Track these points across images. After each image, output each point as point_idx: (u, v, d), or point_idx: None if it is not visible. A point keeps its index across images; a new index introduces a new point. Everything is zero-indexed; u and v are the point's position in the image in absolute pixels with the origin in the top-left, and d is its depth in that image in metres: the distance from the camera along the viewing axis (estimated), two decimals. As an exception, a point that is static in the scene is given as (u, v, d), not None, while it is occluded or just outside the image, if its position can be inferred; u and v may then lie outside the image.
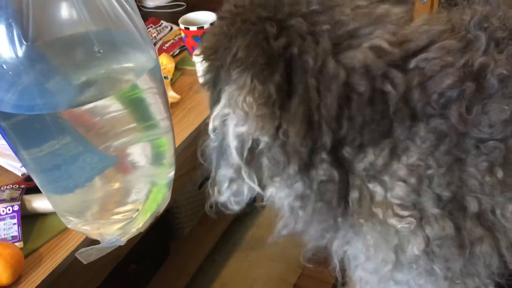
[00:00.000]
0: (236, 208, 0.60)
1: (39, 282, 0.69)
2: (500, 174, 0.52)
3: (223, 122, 0.54)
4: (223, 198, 0.59)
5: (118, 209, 0.67)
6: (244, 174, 0.55)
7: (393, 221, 0.53)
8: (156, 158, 0.67)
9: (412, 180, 0.52)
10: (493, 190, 0.52)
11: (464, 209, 0.53)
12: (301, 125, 0.51)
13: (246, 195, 0.59)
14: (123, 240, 0.66)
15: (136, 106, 0.63)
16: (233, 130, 0.53)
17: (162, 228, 1.15)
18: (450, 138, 0.51)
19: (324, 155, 0.52)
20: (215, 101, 0.56)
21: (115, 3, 0.56)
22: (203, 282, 1.23)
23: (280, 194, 0.56)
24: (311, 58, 0.51)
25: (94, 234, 0.67)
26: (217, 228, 1.27)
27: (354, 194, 0.55)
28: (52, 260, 0.72)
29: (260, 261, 1.27)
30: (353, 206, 0.55)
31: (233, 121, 0.53)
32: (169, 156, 0.69)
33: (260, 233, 1.35)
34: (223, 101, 0.54)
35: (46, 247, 0.73)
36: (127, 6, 0.58)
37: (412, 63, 0.52)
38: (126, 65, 0.62)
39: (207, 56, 0.57)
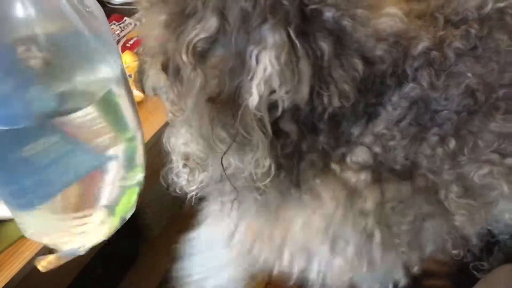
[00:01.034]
0: None
1: (-4, 292, 0.66)
2: (452, 144, 0.52)
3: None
4: None
5: (84, 220, 0.65)
6: None
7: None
8: (129, 161, 0.66)
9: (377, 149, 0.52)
10: (442, 165, 0.53)
11: (413, 184, 0.54)
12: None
13: None
14: (81, 251, 0.65)
15: (105, 113, 0.61)
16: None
17: (130, 229, 1.13)
18: (418, 106, 0.51)
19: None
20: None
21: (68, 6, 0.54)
22: (174, 285, 1.21)
23: None
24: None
25: (51, 245, 0.65)
26: (187, 228, 1.25)
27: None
28: (10, 269, 0.69)
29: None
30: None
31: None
32: (139, 157, 0.67)
33: (231, 231, 1.34)
34: (263, 70, 0.43)
35: (3, 255, 0.70)
36: (83, 11, 0.55)
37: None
38: (87, 76, 0.60)
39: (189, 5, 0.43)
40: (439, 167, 0.53)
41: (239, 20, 0.42)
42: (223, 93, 0.45)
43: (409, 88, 0.51)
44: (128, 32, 1.19)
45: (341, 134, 0.52)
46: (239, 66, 0.43)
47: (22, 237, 0.71)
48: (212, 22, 0.42)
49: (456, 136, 0.52)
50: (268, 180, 0.51)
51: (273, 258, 0.63)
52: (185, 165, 0.59)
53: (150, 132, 0.91)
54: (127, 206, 0.68)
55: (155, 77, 0.57)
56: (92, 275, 1.03)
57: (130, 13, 1.31)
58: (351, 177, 0.53)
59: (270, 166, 0.50)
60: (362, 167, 0.53)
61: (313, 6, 0.44)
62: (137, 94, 0.99)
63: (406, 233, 0.55)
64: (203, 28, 0.43)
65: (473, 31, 0.52)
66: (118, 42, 1.15)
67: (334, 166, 0.54)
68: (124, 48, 1.12)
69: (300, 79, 0.45)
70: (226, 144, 0.48)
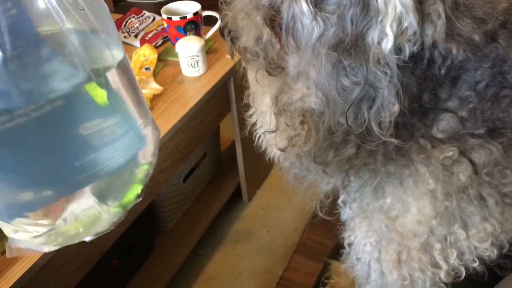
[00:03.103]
0: None
1: (16, 280, 0.67)
2: None
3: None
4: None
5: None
6: None
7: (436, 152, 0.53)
8: (134, 156, 0.64)
9: (463, 113, 0.52)
10: None
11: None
12: None
13: None
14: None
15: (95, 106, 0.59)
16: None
17: (146, 222, 1.13)
18: (496, 66, 0.51)
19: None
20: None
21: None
22: (188, 276, 1.21)
23: None
24: None
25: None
26: (202, 222, 1.26)
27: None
28: (29, 257, 0.70)
29: (246, 254, 1.26)
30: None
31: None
32: (146, 154, 0.66)
33: (245, 226, 1.34)
34: (394, 9, 0.44)
35: (23, 243, 0.71)
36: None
37: None
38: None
39: None
40: None
41: None
42: (347, 39, 0.45)
43: (490, 48, 0.50)
44: (147, 25, 1.19)
45: (436, 97, 0.51)
46: (362, 10, 0.44)
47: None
48: None
49: None
50: (390, 131, 0.49)
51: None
52: (302, 122, 0.54)
53: (168, 124, 0.91)
54: (130, 199, 0.67)
55: (252, 34, 0.55)
56: (108, 266, 1.04)
57: (151, 7, 1.32)
58: (438, 154, 0.53)
59: (397, 113, 0.48)
60: (449, 136, 0.52)
61: None
62: (156, 86, 1.00)
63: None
64: None
65: None
66: (136, 35, 1.16)
67: (423, 141, 0.53)
68: (143, 42, 1.12)
69: (432, 20, 0.45)
70: (349, 94, 0.47)
